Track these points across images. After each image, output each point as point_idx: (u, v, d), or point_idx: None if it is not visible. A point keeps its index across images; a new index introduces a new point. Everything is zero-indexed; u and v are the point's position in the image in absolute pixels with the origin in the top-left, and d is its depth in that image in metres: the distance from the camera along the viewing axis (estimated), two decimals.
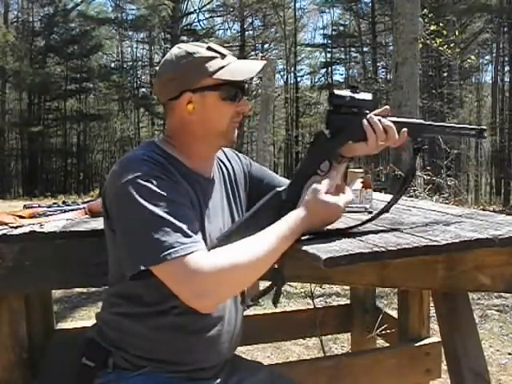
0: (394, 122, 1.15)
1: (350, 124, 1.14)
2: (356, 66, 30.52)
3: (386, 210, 1.21)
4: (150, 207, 0.96)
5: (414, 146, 1.20)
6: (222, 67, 1.10)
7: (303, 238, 1.09)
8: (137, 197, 0.97)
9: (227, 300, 1.08)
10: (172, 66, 1.11)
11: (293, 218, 1.04)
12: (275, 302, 1.15)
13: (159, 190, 0.99)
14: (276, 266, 1.08)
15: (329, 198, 1.07)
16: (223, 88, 1.11)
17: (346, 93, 1.14)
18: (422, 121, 1.21)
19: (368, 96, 1.16)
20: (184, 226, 0.97)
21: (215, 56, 1.11)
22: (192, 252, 0.94)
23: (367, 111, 1.16)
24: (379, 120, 1.14)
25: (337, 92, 1.15)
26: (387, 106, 1.19)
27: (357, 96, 1.14)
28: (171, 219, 0.96)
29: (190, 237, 0.97)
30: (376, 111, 1.17)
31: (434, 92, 15.20)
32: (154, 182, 0.99)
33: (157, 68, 1.17)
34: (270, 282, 1.10)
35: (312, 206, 1.06)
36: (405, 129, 1.15)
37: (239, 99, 1.14)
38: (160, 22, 25.91)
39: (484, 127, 1.24)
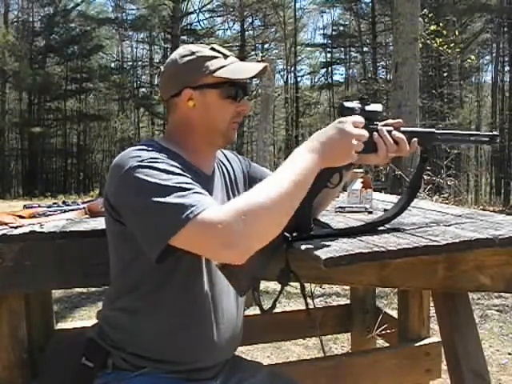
0: (404, 132, 1.16)
1: None
2: (356, 65, 30.51)
3: (391, 219, 1.21)
4: (158, 181, 0.95)
5: (421, 155, 1.20)
6: (223, 66, 1.12)
7: (303, 239, 1.09)
8: (143, 177, 0.97)
9: (260, 246, 0.96)
10: (175, 64, 1.14)
11: (302, 145, 1.01)
12: (273, 307, 1.15)
13: (164, 167, 0.99)
14: (283, 267, 1.08)
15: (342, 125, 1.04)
16: (223, 87, 1.12)
17: (356, 105, 1.14)
18: (432, 129, 1.21)
19: (378, 107, 1.16)
20: (197, 189, 0.96)
21: (217, 56, 1.13)
22: (212, 205, 0.92)
23: (377, 123, 1.16)
24: (390, 132, 1.14)
25: (346, 104, 1.14)
26: (400, 120, 1.20)
27: (367, 108, 1.15)
28: (182, 185, 0.95)
29: (206, 196, 0.96)
30: (389, 122, 1.17)
31: (434, 92, 15.20)
32: (154, 163, 0.99)
33: (161, 67, 1.19)
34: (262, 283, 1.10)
35: (320, 130, 1.04)
36: (415, 138, 1.16)
37: (240, 99, 1.15)
38: (160, 21, 25.89)
39: (496, 133, 1.23)
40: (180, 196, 0.93)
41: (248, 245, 0.91)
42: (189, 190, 0.95)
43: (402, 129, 1.17)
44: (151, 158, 1.00)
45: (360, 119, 1.08)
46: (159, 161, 1.00)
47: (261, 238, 0.93)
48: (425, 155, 1.20)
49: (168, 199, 0.93)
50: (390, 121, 1.18)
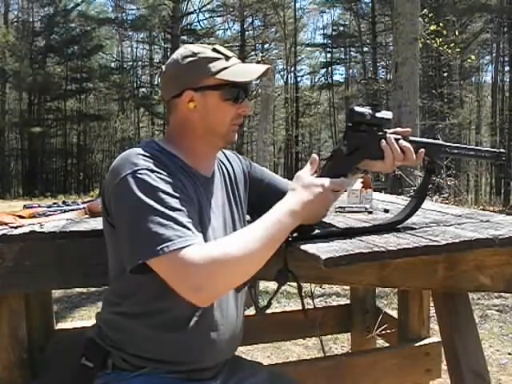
0: (411, 142, 1.16)
1: (369, 143, 1.15)
2: (356, 65, 30.51)
3: (394, 227, 1.21)
4: (148, 200, 0.97)
5: (427, 166, 1.20)
6: (225, 68, 1.11)
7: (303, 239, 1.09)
8: (135, 190, 0.98)
9: (225, 294, 1.06)
10: (176, 65, 1.13)
11: (282, 206, 1.04)
12: (268, 306, 1.17)
13: (157, 184, 0.99)
14: (281, 267, 1.09)
15: (313, 179, 1.09)
16: (225, 88, 1.11)
17: (367, 110, 1.15)
18: (440, 141, 1.22)
19: (388, 114, 1.16)
20: (182, 219, 0.97)
21: (219, 57, 1.12)
22: (189, 245, 0.94)
23: (386, 130, 1.16)
24: (397, 140, 1.15)
25: (357, 109, 1.15)
26: (409, 129, 1.20)
27: (377, 114, 1.15)
28: (169, 212, 0.97)
29: (188, 229, 0.97)
30: (397, 130, 1.18)
31: (434, 92, 15.20)
32: (151, 175, 1.00)
33: (162, 67, 1.18)
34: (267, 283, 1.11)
35: (297, 190, 1.07)
36: (422, 149, 1.17)
37: (241, 100, 1.14)
38: (160, 21, 25.86)
39: (503, 150, 1.24)
40: (162, 224, 0.95)
41: (215, 290, 0.97)
42: (173, 219, 0.96)
43: (411, 138, 1.17)
44: (147, 170, 1.01)
45: (343, 184, 1.11)
46: (154, 175, 1.00)
47: (227, 287, 1.01)
48: (431, 166, 1.20)
49: (150, 224, 0.95)
50: (398, 129, 1.19)
